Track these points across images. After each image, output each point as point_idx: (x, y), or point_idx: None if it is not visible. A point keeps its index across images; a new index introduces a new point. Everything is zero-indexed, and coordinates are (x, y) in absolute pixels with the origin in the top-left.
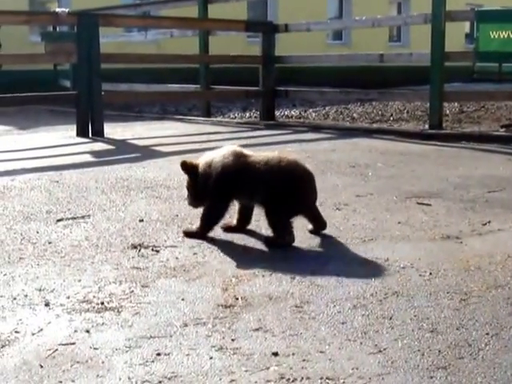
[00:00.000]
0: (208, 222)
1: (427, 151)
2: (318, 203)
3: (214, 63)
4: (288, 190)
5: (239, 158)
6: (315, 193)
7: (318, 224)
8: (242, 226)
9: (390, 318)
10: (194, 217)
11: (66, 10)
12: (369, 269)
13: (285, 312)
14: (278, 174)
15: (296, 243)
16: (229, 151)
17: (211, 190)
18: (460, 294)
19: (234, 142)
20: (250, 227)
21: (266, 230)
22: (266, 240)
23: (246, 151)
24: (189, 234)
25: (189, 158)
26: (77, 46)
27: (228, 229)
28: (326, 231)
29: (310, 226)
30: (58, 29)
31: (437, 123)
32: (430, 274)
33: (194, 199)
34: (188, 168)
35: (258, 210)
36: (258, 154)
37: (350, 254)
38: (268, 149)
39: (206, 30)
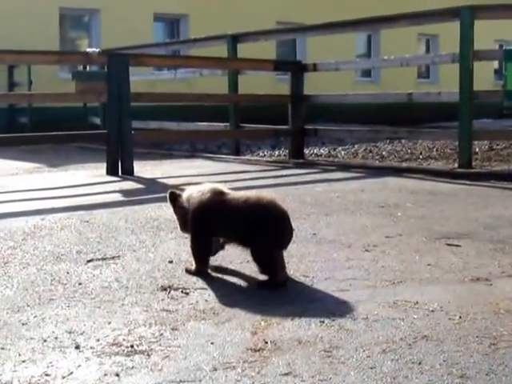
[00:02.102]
0: (196, 256)
1: (457, 190)
2: (347, 244)
3: (243, 102)
4: (268, 228)
5: (216, 195)
6: (290, 234)
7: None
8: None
9: (420, 363)
10: (224, 257)
11: (97, 50)
12: (398, 312)
13: (314, 356)
14: (256, 213)
15: (325, 285)
16: (207, 188)
17: (189, 224)
18: (490, 338)
19: (262, 182)
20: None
21: (293, 272)
22: (258, 284)
23: (226, 189)
24: (188, 272)
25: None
26: (107, 86)
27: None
28: (356, 274)
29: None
30: (88, 67)
31: (466, 162)
32: (460, 317)
33: (182, 227)
34: (171, 199)
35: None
36: (236, 193)
37: (378, 296)
38: (297, 188)
39: (235, 70)
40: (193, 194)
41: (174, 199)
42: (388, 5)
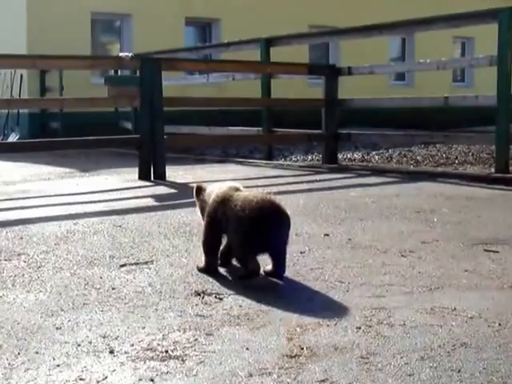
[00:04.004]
0: (204, 251)
1: (494, 196)
2: (382, 250)
3: (276, 106)
4: (251, 227)
5: (229, 192)
6: (280, 235)
7: (276, 271)
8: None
9: (459, 371)
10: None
11: (130, 55)
12: (436, 319)
13: (351, 363)
14: (246, 211)
15: (360, 291)
16: (227, 185)
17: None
18: None
19: (296, 187)
20: (314, 275)
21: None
22: (239, 277)
23: (241, 188)
24: (199, 269)
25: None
26: (140, 90)
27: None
28: (392, 279)
29: (268, 267)
30: (119, 72)
31: (503, 167)
32: (499, 324)
33: (203, 220)
34: (196, 192)
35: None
36: (247, 191)
37: (416, 302)
38: (332, 193)
39: (268, 74)
40: (214, 189)
41: (199, 192)
42: (421, 7)
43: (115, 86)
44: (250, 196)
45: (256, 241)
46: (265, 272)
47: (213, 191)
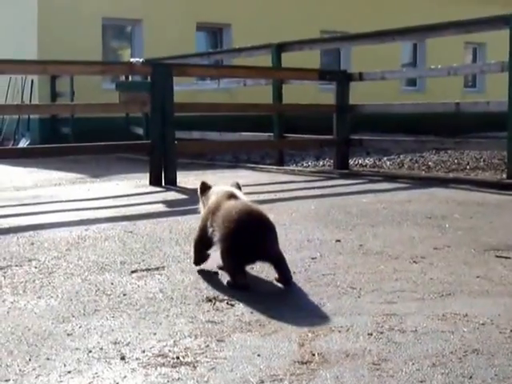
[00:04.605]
0: (193, 246)
1: (505, 202)
2: (394, 256)
3: (287, 112)
4: (228, 237)
5: (221, 200)
6: (264, 244)
7: (281, 277)
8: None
9: (471, 377)
10: (270, 269)
11: (141, 60)
12: (447, 325)
13: (362, 369)
14: (226, 224)
15: (372, 297)
16: (225, 191)
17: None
18: None
19: (307, 192)
20: (325, 281)
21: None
22: (226, 283)
23: (239, 195)
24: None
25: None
26: (151, 96)
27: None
28: (403, 286)
29: (276, 275)
30: (130, 78)
31: None
32: (511, 330)
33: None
34: (202, 188)
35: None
36: (239, 200)
37: (427, 309)
38: (343, 199)
39: (279, 79)
40: (216, 191)
41: (203, 190)
42: (433, 13)
43: (126, 91)
44: (230, 208)
45: (240, 254)
46: (276, 280)
47: (214, 193)
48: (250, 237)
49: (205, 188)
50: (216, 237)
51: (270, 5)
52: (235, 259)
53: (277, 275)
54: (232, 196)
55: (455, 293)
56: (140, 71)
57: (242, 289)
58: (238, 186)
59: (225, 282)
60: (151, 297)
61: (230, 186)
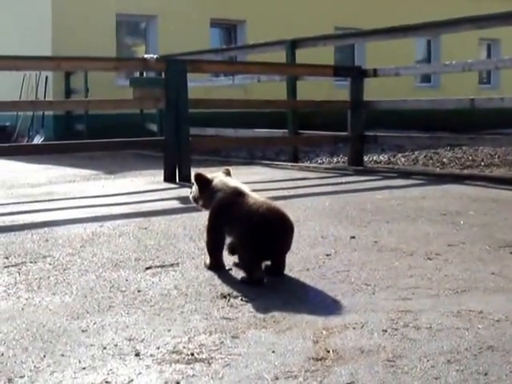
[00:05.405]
0: (207, 248)
1: None
2: (408, 252)
3: (301, 108)
4: (258, 238)
5: (236, 195)
6: (285, 244)
7: (276, 269)
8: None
9: (486, 374)
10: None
11: (155, 56)
12: (462, 322)
13: (377, 366)
14: (252, 217)
15: (386, 294)
16: (232, 186)
17: (208, 215)
18: None
19: (322, 189)
20: (340, 278)
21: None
22: (240, 280)
23: (247, 191)
24: (206, 267)
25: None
26: (165, 92)
27: None
28: (418, 282)
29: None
30: (145, 74)
31: None
32: None
33: (196, 200)
34: (201, 181)
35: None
36: (253, 197)
37: (442, 305)
38: (358, 196)
39: (294, 76)
40: (220, 190)
41: (207, 182)
42: (447, 8)
43: (140, 87)
44: (256, 205)
45: (259, 250)
46: (265, 268)
47: (218, 189)
48: (272, 234)
49: (203, 181)
50: (233, 234)
51: (284, 1)
52: (254, 255)
53: (272, 266)
54: (242, 193)
55: (470, 289)
56: (154, 67)
57: (258, 283)
58: (228, 173)
59: (239, 278)
60: (166, 293)
61: (224, 175)
